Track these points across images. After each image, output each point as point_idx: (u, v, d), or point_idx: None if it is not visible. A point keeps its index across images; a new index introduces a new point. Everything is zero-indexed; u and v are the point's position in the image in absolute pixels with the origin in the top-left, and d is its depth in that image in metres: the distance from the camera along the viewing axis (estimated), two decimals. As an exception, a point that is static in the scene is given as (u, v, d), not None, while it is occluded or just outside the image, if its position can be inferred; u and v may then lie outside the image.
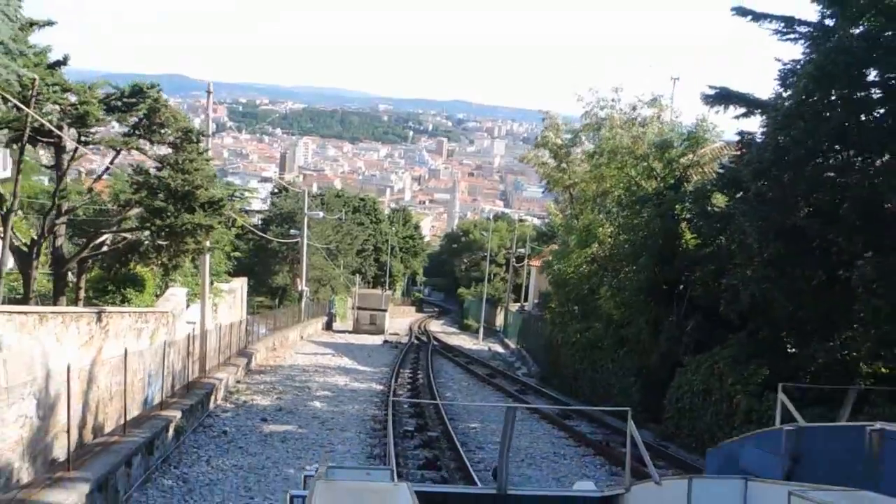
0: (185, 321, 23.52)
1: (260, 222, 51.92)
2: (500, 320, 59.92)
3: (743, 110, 18.32)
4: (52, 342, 12.93)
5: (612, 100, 24.69)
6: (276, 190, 65.71)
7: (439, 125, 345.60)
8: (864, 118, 13.87)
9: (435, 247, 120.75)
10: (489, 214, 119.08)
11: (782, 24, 16.48)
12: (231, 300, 34.25)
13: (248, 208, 40.51)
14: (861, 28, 14.24)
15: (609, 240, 22.92)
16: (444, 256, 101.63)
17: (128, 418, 12.49)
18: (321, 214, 50.16)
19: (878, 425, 5.40)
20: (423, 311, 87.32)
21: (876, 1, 13.98)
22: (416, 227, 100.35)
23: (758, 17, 17.01)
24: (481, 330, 54.07)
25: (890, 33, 13.62)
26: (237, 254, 37.42)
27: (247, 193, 37.77)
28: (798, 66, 15.56)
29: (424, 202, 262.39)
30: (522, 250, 56.35)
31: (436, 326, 66.15)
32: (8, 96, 10.91)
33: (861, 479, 6.36)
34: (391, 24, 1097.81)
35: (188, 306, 24.66)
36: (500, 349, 44.67)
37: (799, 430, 6.01)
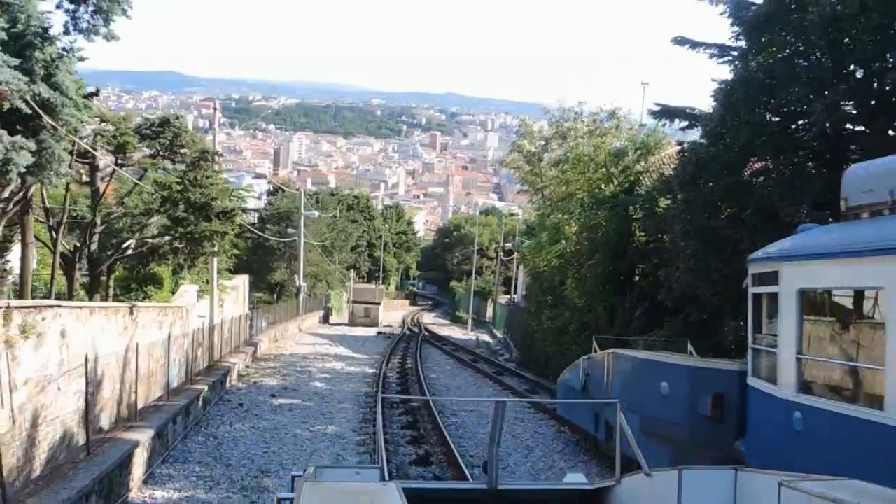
0: (197, 315, 26.70)
1: (257, 220, 54.93)
2: (490, 312, 63.11)
3: (686, 123, 21.56)
4: (99, 331, 16.17)
5: (576, 112, 27.91)
6: (272, 189, 68.76)
7: (433, 119, 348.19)
8: (764, 139, 17.01)
9: (429, 241, 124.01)
10: (482, 208, 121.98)
11: (716, 50, 19.62)
12: (235, 296, 37.45)
13: (244, 206, 43.52)
14: (765, 58, 17.40)
15: (574, 237, 26.06)
16: (437, 251, 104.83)
17: (168, 390, 15.62)
18: (317, 214, 53.17)
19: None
20: (416, 304, 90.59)
21: (775, 38, 17.10)
22: (409, 223, 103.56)
23: (695, 45, 20.17)
24: (470, 321, 57.27)
25: (783, 63, 16.73)
26: (236, 251, 40.47)
27: (244, 193, 40.77)
28: (727, 87, 18.76)
29: (418, 196, 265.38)
30: (509, 245, 59.47)
31: (428, 318, 69.39)
32: (79, 141, 13.96)
33: (603, 386, 12.12)
34: (384, 16, 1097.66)
35: (198, 301, 27.88)
36: (487, 338, 47.83)
37: (589, 359, 10.15)
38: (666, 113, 22.00)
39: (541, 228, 29.58)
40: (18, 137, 10.96)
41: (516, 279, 56.37)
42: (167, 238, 21.19)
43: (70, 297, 18.96)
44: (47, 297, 17.84)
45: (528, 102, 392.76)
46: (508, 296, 57.84)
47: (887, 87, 14.78)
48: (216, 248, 20.65)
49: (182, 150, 19.33)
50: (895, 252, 6.46)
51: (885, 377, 6.42)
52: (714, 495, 5.55)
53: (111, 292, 21.89)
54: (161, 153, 19.09)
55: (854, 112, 15.78)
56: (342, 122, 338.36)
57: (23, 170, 11.19)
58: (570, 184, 26.98)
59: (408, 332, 47.83)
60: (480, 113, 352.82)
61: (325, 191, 75.42)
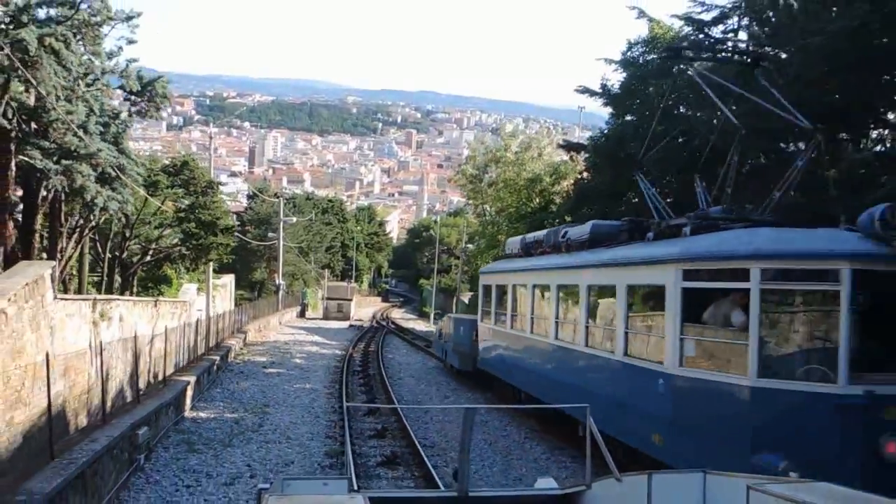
0: (196, 308, 33.40)
1: (238, 224, 61.38)
2: (453, 307, 70.15)
3: (586, 155, 28.62)
4: (138, 318, 22.89)
5: (505, 146, 34.97)
6: (251, 193, 75.12)
7: (408, 116, 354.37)
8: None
9: (403, 240, 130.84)
10: (455, 207, 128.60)
11: (604, 100, 26.65)
12: (223, 293, 44.08)
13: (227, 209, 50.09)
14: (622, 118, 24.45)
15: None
16: (408, 250, 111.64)
17: (192, 357, 22.36)
18: (294, 220, 59.69)
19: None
20: (388, 300, 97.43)
21: (632, 104, 24.12)
22: (381, 225, 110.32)
23: (592, 93, 27.22)
24: (432, 315, 64.20)
25: (632, 124, 23.71)
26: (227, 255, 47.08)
27: (224, 198, 47.32)
28: (598, 136, 25.85)
29: (393, 194, 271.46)
30: (471, 245, 66.41)
31: (397, 314, 76.26)
32: (141, 192, 20.61)
33: (441, 333, 26.09)
34: (360, 14, 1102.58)
35: (197, 297, 34.55)
36: (446, 330, 54.77)
37: (439, 320, 18.85)
38: (568, 146, 29.16)
39: (481, 236, 36.54)
40: (110, 191, 17.57)
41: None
42: (178, 247, 27.86)
43: (110, 293, 25.59)
44: (98, 292, 24.46)
45: (503, 100, 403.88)
46: (472, 292, 64.89)
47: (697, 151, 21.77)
48: (220, 256, 27.37)
49: (194, 181, 26.03)
50: (513, 272, 17.56)
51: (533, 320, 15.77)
52: (683, 498, 5.63)
53: (135, 290, 28.56)
54: (178, 185, 25.77)
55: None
56: (317, 119, 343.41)
57: (112, 212, 17.79)
58: (502, 200, 33.96)
59: (376, 325, 54.68)
60: (456, 111, 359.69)
61: (300, 195, 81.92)
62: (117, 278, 25.67)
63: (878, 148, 16.29)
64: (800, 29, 15.39)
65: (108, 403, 13.90)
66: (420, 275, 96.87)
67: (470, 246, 41.64)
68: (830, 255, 8.74)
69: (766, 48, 16.57)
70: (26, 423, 12.89)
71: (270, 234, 57.77)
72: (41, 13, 14.56)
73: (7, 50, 12.48)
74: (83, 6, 15.20)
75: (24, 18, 12.89)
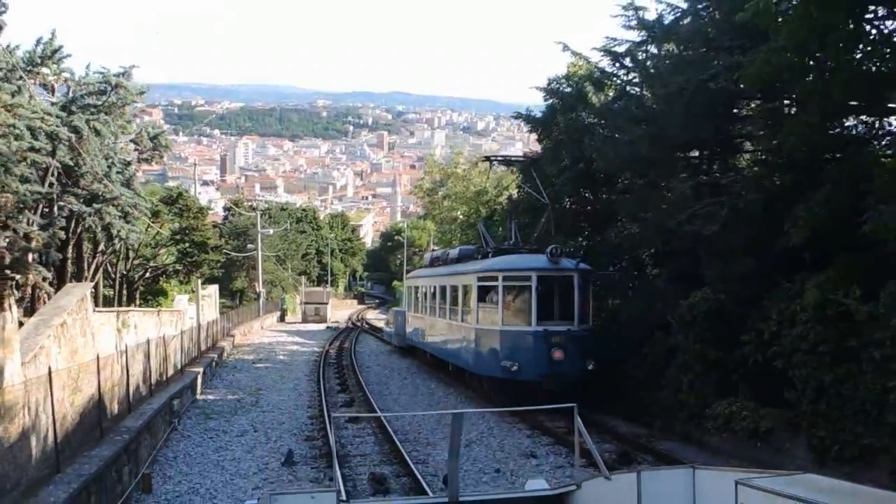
0: (188, 317, 38.48)
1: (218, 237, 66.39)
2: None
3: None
4: (147, 325, 28.01)
5: (455, 163, 40.42)
6: (227, 206, 79.97)
7: (379, 118, 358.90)
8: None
9: (377, 243, 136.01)
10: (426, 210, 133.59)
11: (529, 127, 32.00)
12: (210, 302, 49.08)
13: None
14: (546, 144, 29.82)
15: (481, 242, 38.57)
16: (382, 253, 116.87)
17: (196, 355, 27.49)
18: (271, 231, 64.72)
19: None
20: (364, 303, 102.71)
21: (548, 132, 29.47)
22: (354, 231, 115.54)
23: (526, 120, 32.49)
24: (404, 315, 69.67)
25: (551, 149, 29.09)
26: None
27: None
28: (525, 159, 31.26)
29: (367, 197, 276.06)
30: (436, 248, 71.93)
31: (371, 315, 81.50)
32: (151, 224, 25.75)
33: (391, 322, 34.71)
34: (325, 17, 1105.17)
35: (188, 306, 39.60)
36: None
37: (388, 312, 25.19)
38: (505, 162, 34.65)
39: (438, 241, 41.91)
40: (129, 225, 22.69)
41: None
42: (174, 264, 32.99)
43: (120, 306, 30.66)
44: (110, 305, 29.54)
45: (473, 99, 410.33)
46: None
47: (597, 173, 27.05)
48: (211, 270, 32.52)
49: (187, 209, 31.17)
50: (423, 277, 27.14)
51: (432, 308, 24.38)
52: (673, 494, 5.90)
53: (138, 302, 33.61)
54: (176, 213, 30.92)
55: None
56: (288, 124, 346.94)
57: (132, 242, 22.91)
58: (455, 210, 39.40)
59: (351, 326, 59.95)
60: (427, 111, 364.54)
61: (275, 206, 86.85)
62: (124, 293, 30.72)
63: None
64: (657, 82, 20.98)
65: (153, 382, 19.06)
66: (394, 277, 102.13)
67: (436, 248, 47.16)
68: (528, 268, 19.43)
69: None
70: (81, 406, 18.06)
71: (249, 246, 62.75)
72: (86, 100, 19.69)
73: (66, 131, 17.50)
74: (112, 94, 20.35)
75: (74, 108, 17.95)
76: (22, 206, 16.01)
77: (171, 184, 78.03)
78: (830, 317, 12.66)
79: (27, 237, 17.19)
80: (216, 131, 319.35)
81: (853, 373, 12.26)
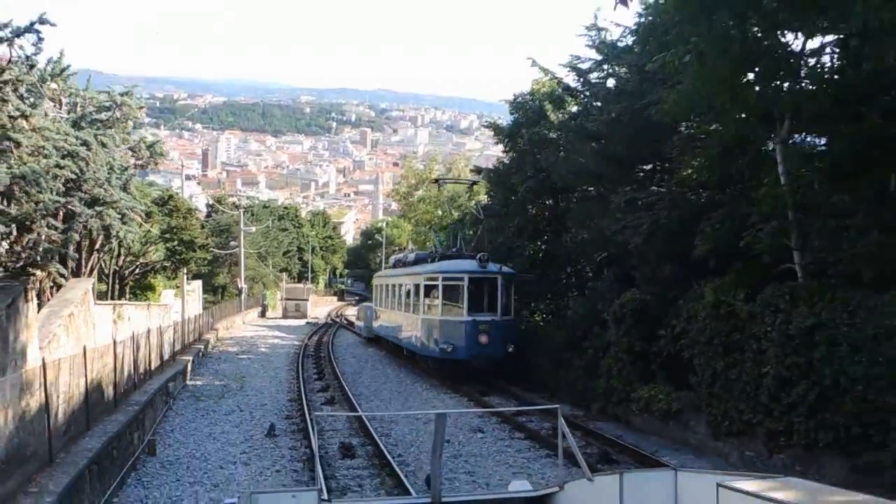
0: (174, 311, 40.87)
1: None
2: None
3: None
4: (138, 318, 30.44)
5: (429, 169, 43.08)
6: (210, 203, 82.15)
7: (363, 115, 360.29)
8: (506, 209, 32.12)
9: (358, 240, 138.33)
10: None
11: (497, 138, 34.60)
12: (194, 297, 51.40)
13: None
14: (512, 154, 32.47)
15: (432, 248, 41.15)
16: (362, 251, 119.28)
17: (187, 342, 29.95)
18: (253, 229, 67.02)
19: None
20: (343, 300, 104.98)
21: (514, 145, 32.12)
22: (334, 228, 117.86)
23: (495, 131, 35.12)
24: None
25: (517, 160, 31.77)
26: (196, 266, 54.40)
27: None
28: (495, 168, 33.94)
29: (349, 194, 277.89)
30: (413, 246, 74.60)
31: (351, 311, 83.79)
32: (145, 226, 28.15)
33: (363, 315, 37.97)
34: (309, 12, 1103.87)
35: (174, 301, 41.98)
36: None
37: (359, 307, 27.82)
38: (478, 171, 37.31)
39: (414, 242, 44.54)
40: (126, 226, 25.11)
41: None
42: (163, 261, 35.40)
43: (113, 299, 33.03)
44: (103, 299, 31.89)
45: (457, 97, 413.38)
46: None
47: (555, 184, 29.67)
48: (198, 267, 34.92)
49: (176, 210, 33.60)
50: (388, 277, 31.46)
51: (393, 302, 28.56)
52: (655, 496, 5.97)
53: (128, 296, 35.97)
54: (167, 213, 33.33)
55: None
56: (270, 120, 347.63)
57: (129, 242, 25.32)
58: (429, 213, 42.05)
59: (330, 322, 62.40)
60: (410, 109, 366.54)
61: (257, 204, 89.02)
62: (116, 287, 33.08)
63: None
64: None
65: (151, 367, 21.54)
66: (374, 274, 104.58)
67: (414, 248, 49.99)
68: (462, 271, 24.56)
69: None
70: (101, 380, 20.51)
71: (232, 243, 65.02)
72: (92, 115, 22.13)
73: (84, 150, 19.95)
74: (117, 110, 22.84)
75: (83, 123, 20.36)
76: (45, 212, 18.45)
77: (151, 178, 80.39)
78: (722, 315, 15.42)
79: (49, 239, 19.62)
80: (198, 125, 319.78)
81: (738, 361, 15.00)
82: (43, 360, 11.32)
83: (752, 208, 14.95)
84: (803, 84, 12.68)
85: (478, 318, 23.77)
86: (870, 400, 11.91)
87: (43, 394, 10.37)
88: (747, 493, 4.96)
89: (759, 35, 13.42)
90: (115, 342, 16.81)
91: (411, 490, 12.10)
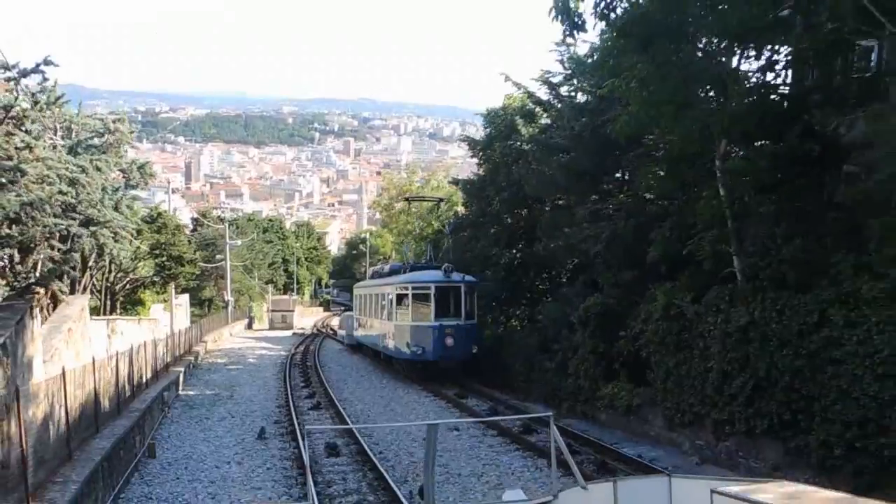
0: (163, 324, 42.05)
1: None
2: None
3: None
4: (130, 332, 31.65)
5: (409, 181, 44.56)
6: (195, 217, 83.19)
7: (345, 125, 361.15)
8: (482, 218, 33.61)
9: (343, 250, 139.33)
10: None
11: (471, 152, 36.11)
12: (182, 310, 52.53)
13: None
14: (486, 169, 33.97)
15: (412, 258, 42.55)
16: (347, 261, 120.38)
17: (177, 354, 31.20)
18: (238, 243, 68.19)
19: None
20: (329, 310, 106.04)
21: (487, 158, 33.61)
22: (319, 239, 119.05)
23: (470, 145, 36.64)
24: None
25: (489, 176, 33.25)
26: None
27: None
28: (471, 180, 35.44)
29: (333, 204, 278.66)
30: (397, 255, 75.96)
31: (336, 321, 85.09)
32: (137, 244, 29.43)
33: (344, 323, 41.35)
34: (290, 23, 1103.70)
35: (163, 314, 43.15)
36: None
37: (340, 314, 30.11)
38: (455, 182, 38.79)
39: (396, 252, 45.92)
40: (118, 244, 26.39)
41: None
42: (152, 276, 36.64)
43: (104, 313, 34.21)
44: (96, 314, 33.06)
45: (439, 105, 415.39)
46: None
47: (527, 195, 31.14)
48: (186, 282, 36.16)
49: (165, 227, 34.88)
50: (366, 287, 33.91)
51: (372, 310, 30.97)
52: (649, 503, 5.99)
53: (118, 311, 37.16)
54: (152, 229, 34.59)
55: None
56: (253, 131, 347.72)
57: (120, 260, 26.60)
58: (410, 223, 43.50)
59: (316, 332, 63.65)
60: (393, 117, 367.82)
61: (242, 217, 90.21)
62: (107, 302, 34.27)
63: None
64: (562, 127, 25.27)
65: (147, 377, 22.82)
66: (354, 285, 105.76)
67: (396, 256, 51.35)
68: (429, 281, 27.30)
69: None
70: (105, 389, 21.76)
71: (218, 256, 66.12)
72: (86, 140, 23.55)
73: (84, 177, 21.31)
74: (110, 136, 24.22)
75: (79, 149, 21.71)
76: (49, 235, 19.77)
77: (134, 192, 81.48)
78: (672, 316, 16.94)
79: (52, 259, 20.94)
80: (181, 138, 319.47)
81: (687, 358, 16.52)
82: (63, 369, 12.67)
83: (696, 218, 16.51)
84: (733, 104, 14.19)
85: (444, 322, 26.46)
86: (796, 389, 13.43)
87: (63, 399, 11.73)
88: (741, 498, 5.07)
89: (695, 62, 14.96)
90: (117, 354, 18.11)
91: (392, 485, 13.49)
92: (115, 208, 27.35)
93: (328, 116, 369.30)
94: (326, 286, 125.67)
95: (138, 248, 35.13)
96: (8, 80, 18.46)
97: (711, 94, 15.20)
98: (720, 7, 14.24)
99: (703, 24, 14.54)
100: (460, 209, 41.45)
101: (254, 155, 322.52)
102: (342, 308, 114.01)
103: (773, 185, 14.29)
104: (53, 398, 11.85)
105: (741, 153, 15.34)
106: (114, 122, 26.26)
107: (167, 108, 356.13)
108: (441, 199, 36.67)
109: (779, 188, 14.33)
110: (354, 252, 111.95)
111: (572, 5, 15.18)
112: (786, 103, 14.24)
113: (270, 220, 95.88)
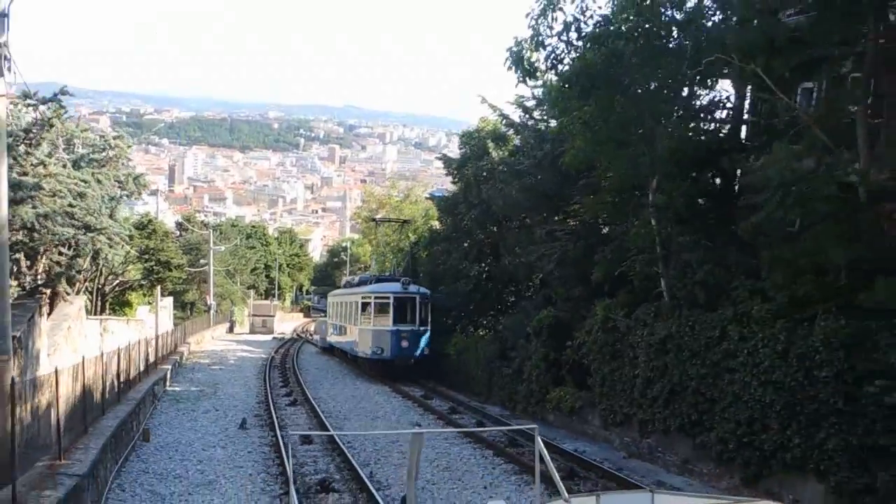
0: (149, 326, 44.14)
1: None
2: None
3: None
4: (120, 331, 33.81)
5: (389, 195, 46.96)
6: (179, 222, 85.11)
7: (331, 132, 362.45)
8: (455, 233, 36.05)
9: (325, 257, 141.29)
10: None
11: (446, 170, 38.57)
12: (166, 313, 54.54)
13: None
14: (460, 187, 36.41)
15: (377, 271, 44.87)
16: (328, 268, 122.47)
17: (163, 354, 33.35)
18: (222, 248, 70.23)
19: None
20: (310, 316, 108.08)
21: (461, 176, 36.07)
22: (301, 247, 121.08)
23: (446, 164, 39.06)
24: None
25: (463, 193, 35.71)
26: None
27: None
28: (448, 197, 37.87)
29: (317, 211, 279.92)
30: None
31: (314, 327, 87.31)
32: (130, 250, 31.62)
33: (318, 328, 42.47)
34: (278, 28, 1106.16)
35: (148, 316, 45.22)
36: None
37: (315, 320, 33.28)
38: (433, 197, 41.20)
39: (376, 262, 48.26)
40: (113, 249, 28.55)
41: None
42: (140, 280, 38.76)
43: (95, 314, 36.28)
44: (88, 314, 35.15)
45: (425, 115, 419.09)
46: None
47: (495, 213, 33.63)
48: (173, 286, 38.28)
49: (154, 233, 37.01)
50: (339, 295, 38.68)
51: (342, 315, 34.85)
52: None
53: (107, 312, 39.23)
54: (142, 235, 36.76)
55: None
56: (238, 135, 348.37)
57: (114, 265, 28.77)
58: (388, 235, 45.86)
59: (296, 337, 65.85)
60: (379, 125, 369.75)
61: (226, 222, 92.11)
62: (98, 304, 36.34)
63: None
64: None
65: (140, 372, 25.00)
66: (327, 293, 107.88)
67: (375, 265, 53.76)
68: (388, 292, 32.38)
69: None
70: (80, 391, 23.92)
71: (202, 261, 68.13)
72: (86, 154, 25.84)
73: (91, 191, 23.63)
74: (110, 150, 26.54)
75: (82, 164, 23.96)
76: (58, 242, 21.99)
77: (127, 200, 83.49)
78: (608, 328, 19.42)
79: (59, 263, 23.15)
80: (165, 140, 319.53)
81: (620, 366, 18.99)
82: (83, 358, 14.95)
83: (631, 243, 19.02)
84: (657, 150, 16.72)
85: (400, 328, 31.55)
86: (702, 393, 15.90)
87: (81, 384, 14.02)
88: None
89: (628, 109, 17.47)
90: (118, 349, 20.33)
91: (355, 464, 15.82)
92: (111, 216, 29.46)
93: (314, 123, 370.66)
94: (307, 293, 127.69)
95: (129, 252, 37.26)
96: (27, 105, 20.68)
97: (640, 138, 17.68)
98: (652, 61, 16.77)
99: (636, 77, 17.05)
100: (436, 224, 43.88)
101: (238, 159, 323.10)
102: (322, 314, 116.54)
103: (689, 218, 16.81)
104: (77, 380, 14.12)
105: (664, 190, 17.82)
106: (114, 138, 28.58)
107: (152, 109, 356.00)
108: (406, 221, 40.39)
109: (694, 221, 16.86)
110: (336, 260, 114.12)
111: (525, 56, 17.78)
112: (703, 150, 16.76)
113: (254, 227, 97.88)
